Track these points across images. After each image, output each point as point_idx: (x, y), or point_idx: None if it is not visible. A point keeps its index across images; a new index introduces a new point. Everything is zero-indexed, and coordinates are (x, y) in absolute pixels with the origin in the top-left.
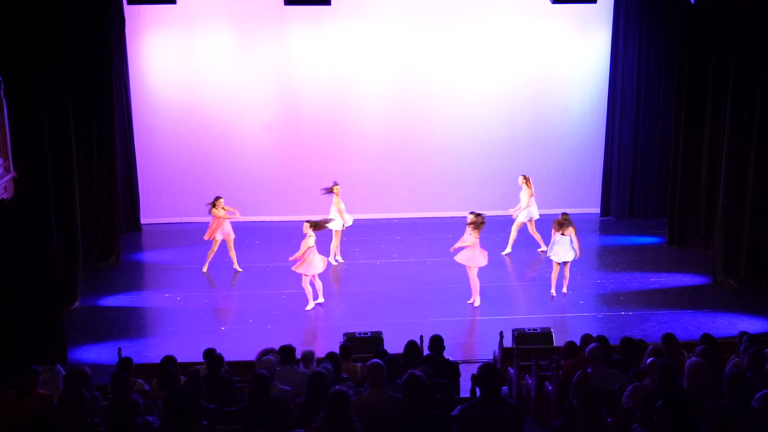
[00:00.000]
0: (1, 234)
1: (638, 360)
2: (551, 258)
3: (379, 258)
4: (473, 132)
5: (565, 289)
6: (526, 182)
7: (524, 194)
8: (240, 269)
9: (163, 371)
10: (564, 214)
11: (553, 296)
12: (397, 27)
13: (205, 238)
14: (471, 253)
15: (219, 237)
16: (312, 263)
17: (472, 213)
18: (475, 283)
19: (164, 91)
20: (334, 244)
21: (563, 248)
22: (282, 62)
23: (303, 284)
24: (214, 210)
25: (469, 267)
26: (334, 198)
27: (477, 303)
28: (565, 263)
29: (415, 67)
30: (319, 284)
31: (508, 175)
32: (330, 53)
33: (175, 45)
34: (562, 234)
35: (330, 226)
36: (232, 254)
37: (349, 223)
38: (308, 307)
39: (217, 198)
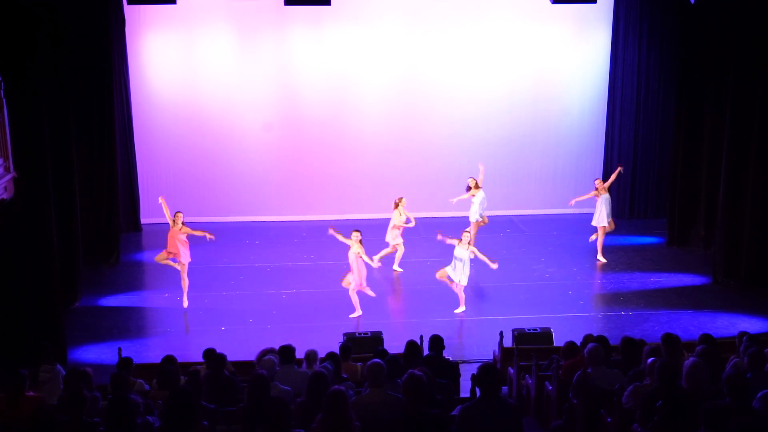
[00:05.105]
0: (1, 234)
1: (638, 360)
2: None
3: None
4: (473, 132)
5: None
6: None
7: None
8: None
9: (163, 371)
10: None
11: None
12: (397, 27)
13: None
14: None
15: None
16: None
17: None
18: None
19: (164, 91)
20: None
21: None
22: (282, 62)
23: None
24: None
25: None
26: None
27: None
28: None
29: (415, 68)
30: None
31: (508, 175)
32: (330, 53)
33: (175, 45)
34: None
35: None
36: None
37: None
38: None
39: (401, 199)
